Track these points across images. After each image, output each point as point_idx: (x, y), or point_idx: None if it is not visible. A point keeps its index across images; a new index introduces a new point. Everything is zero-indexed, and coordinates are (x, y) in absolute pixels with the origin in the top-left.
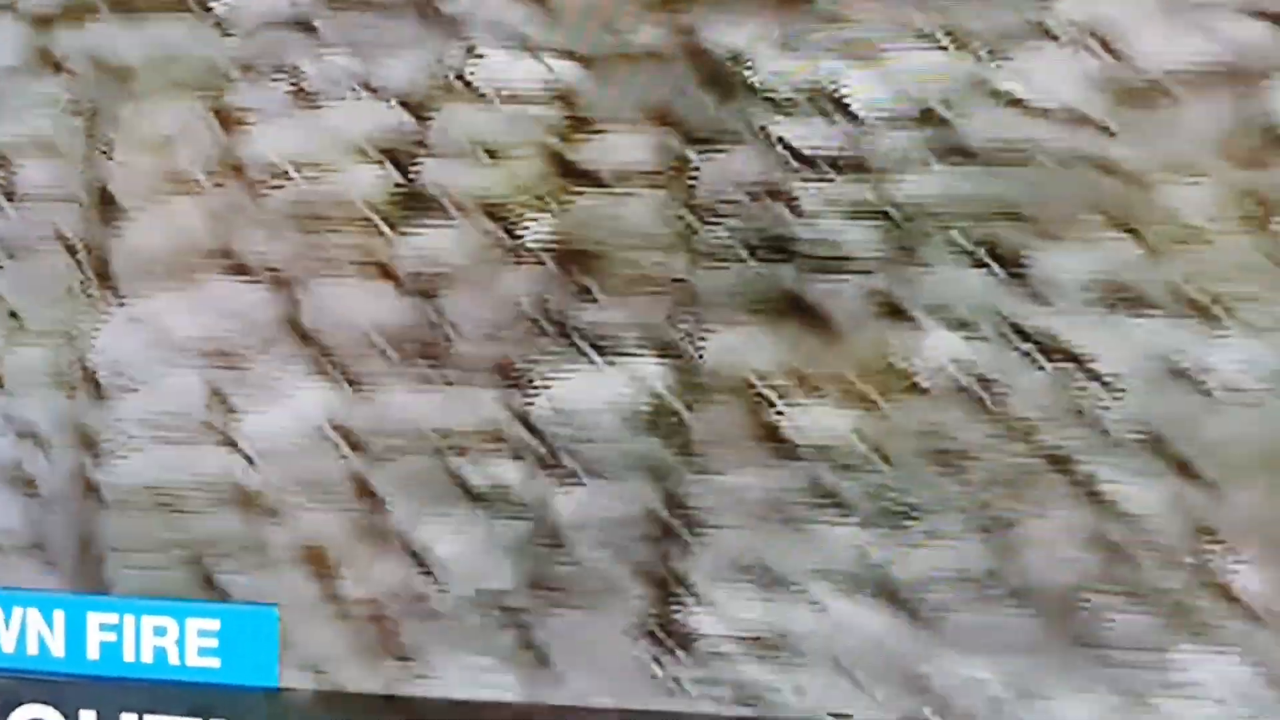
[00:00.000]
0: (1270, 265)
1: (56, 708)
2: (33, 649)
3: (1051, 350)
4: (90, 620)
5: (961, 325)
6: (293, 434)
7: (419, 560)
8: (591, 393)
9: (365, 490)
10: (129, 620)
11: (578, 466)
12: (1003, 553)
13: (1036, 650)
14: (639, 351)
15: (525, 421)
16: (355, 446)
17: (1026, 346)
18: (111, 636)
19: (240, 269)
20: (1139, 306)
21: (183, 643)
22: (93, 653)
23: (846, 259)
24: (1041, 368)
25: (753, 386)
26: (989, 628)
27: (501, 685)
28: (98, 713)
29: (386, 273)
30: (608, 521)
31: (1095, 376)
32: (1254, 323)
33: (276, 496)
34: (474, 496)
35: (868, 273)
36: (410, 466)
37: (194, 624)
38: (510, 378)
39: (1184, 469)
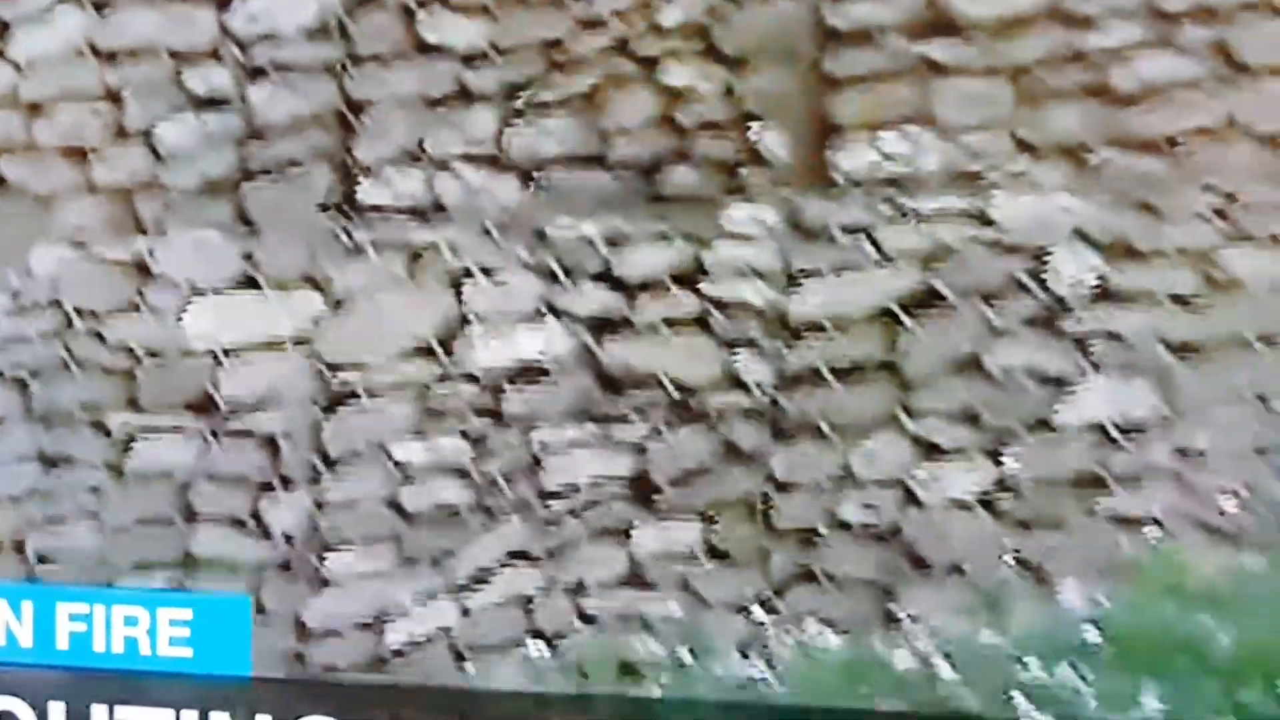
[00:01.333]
0: None
1: (25, 699)
2: (0, 640)
3: None
4: (60, 610)
5: None
6: (54, 49)
7: (154, 151)
8: (278, 7)
9: (112, 95)
10: (99, 610)
11: (271, 69)
12: (591, 128)
13: (624, 209)
14: None
15: (230, 35)
16: (102, 58)
17: None
18: (81, 627)
19: None
20: None
21: (154, 633)
22: (62, 643)
23: None
24: None
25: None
26: (588, 192)
27: (218, 247)
28: (67, 704)
29: None
30: (296, 114)
31: None
32: None
33: (43, 100)
34: (195, 99)
35: None
36: (146, 74)
37: (165, 614)
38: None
39: (723, 58)
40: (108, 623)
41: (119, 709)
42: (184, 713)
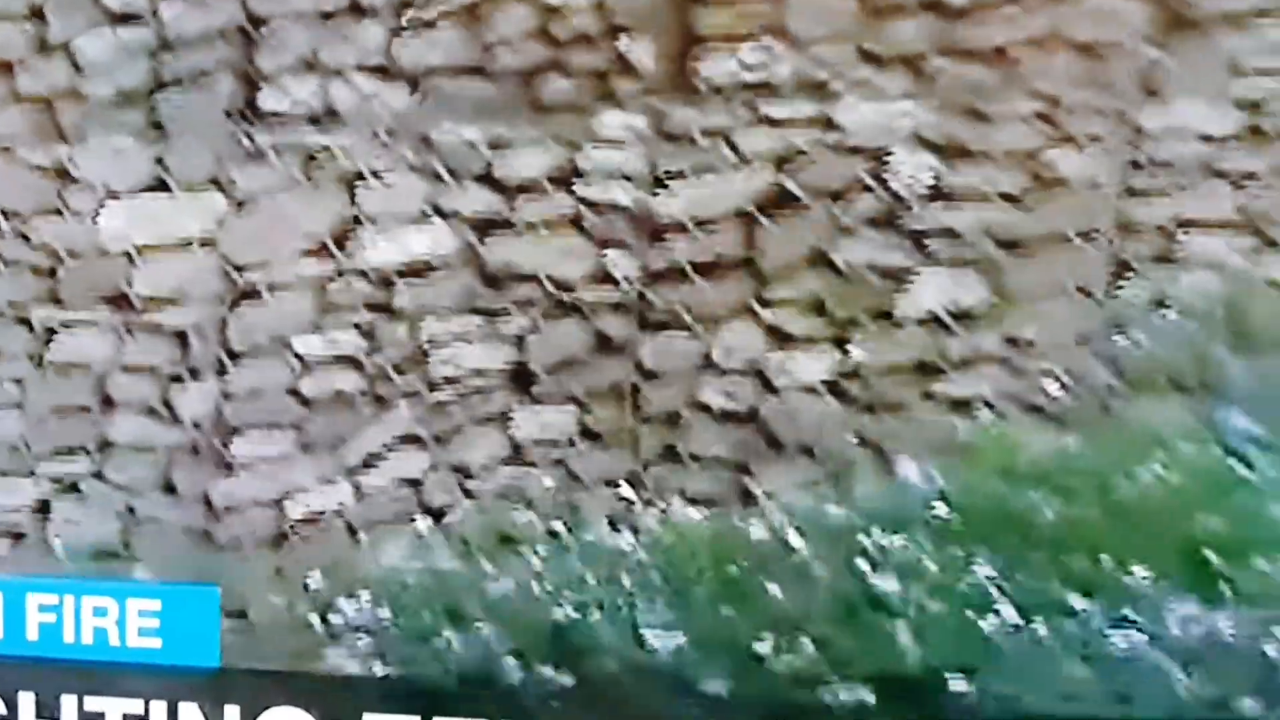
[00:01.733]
0: None
1: None
2: None
3: None
4: (30, 601)
5: None
6: None
7: (74, 63)
8: None
9: (35, 12)
10: (69, 601)
11: None
12: (474, 40)
13: (504, 116)
14: None
15: None
16: None
17: None
18: (51, 618)
19: None
20: None
21: (123, 623)
22: (32, 634)
23: None
24: None
25: None
26: (471, 100)
27: (131, 152)
28: (37, 695)
29: None
30: (203, 28)
31: None
32: None
33: None
34: (111, 14)
35: None
36: None
37: (135, 604)
38: None
39: None
40: (77, 614)
41: (89, 699)
42: (153, 703)
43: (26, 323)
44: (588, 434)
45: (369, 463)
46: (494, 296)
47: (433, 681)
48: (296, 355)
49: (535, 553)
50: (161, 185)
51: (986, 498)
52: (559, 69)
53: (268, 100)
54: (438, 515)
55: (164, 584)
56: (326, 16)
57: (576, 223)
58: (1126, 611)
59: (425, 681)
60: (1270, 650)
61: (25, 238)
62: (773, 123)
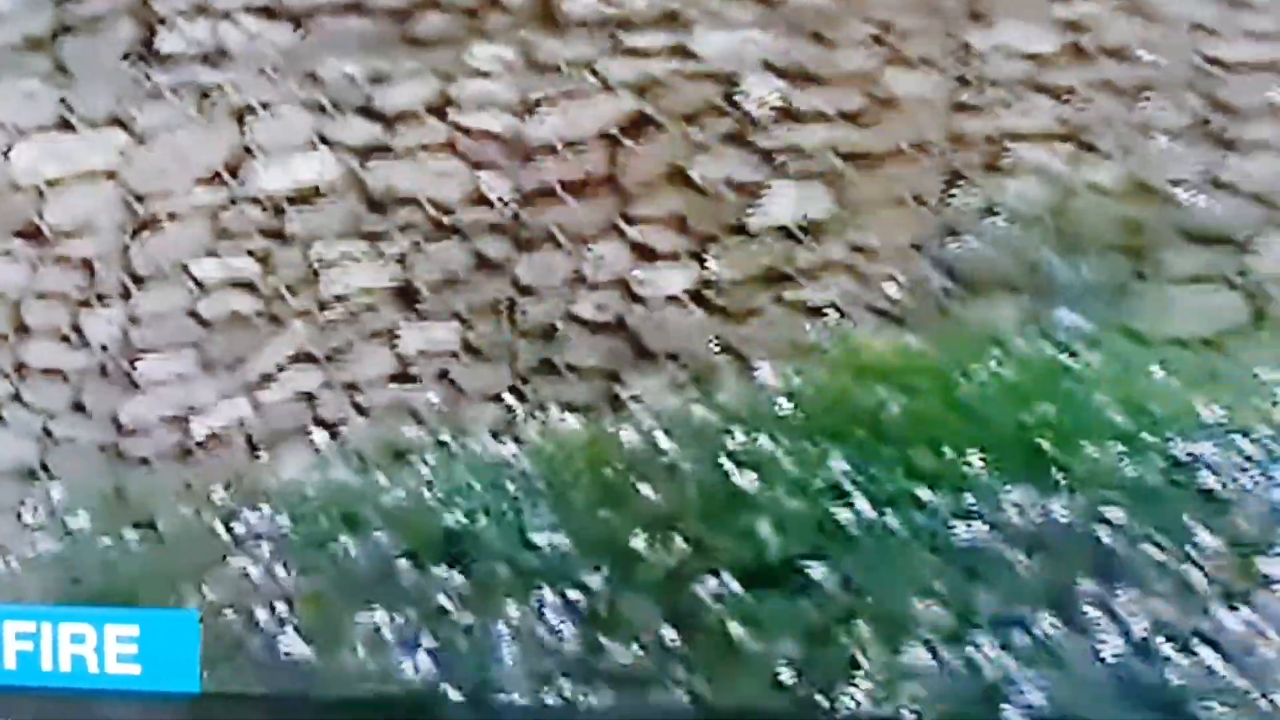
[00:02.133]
0: None
1: None
2: None
3: None
4: (7, 629)
5: None
6: None
7: None
8: None
9: None
10: (46, 628)
11: None
12: None
13: (383, 50)
14: None
15: None
16: None
17: None
18: (28, 645)
19: None
20: None
21: (102, 650)
22: (10, 662)
23: None
24: None
25: None
26: (352, 36)
27: (39, 94)
28: None
29: None
30: None
31: None
32: None
33: None
34: None
35: None
36: None
37: (113, 630)
38: None
39: None
40: (55, 641)
41: None
42: None
43: None
44: (470, 349)
45: (266, 380)
46: (378, 220)
47: (419, 703)
48: (195, 279)
49: (424, 462)
50: (67, 124)
51: (836, 395)
52: (433, 5)
53: (164, 42)
54: (331, 429)
55: (143, 610)
56: None
57: (452, 148)
58: (968, 500)
59: (411, 703)
60: (1101, 531)
61: None
62: (633, 52)
